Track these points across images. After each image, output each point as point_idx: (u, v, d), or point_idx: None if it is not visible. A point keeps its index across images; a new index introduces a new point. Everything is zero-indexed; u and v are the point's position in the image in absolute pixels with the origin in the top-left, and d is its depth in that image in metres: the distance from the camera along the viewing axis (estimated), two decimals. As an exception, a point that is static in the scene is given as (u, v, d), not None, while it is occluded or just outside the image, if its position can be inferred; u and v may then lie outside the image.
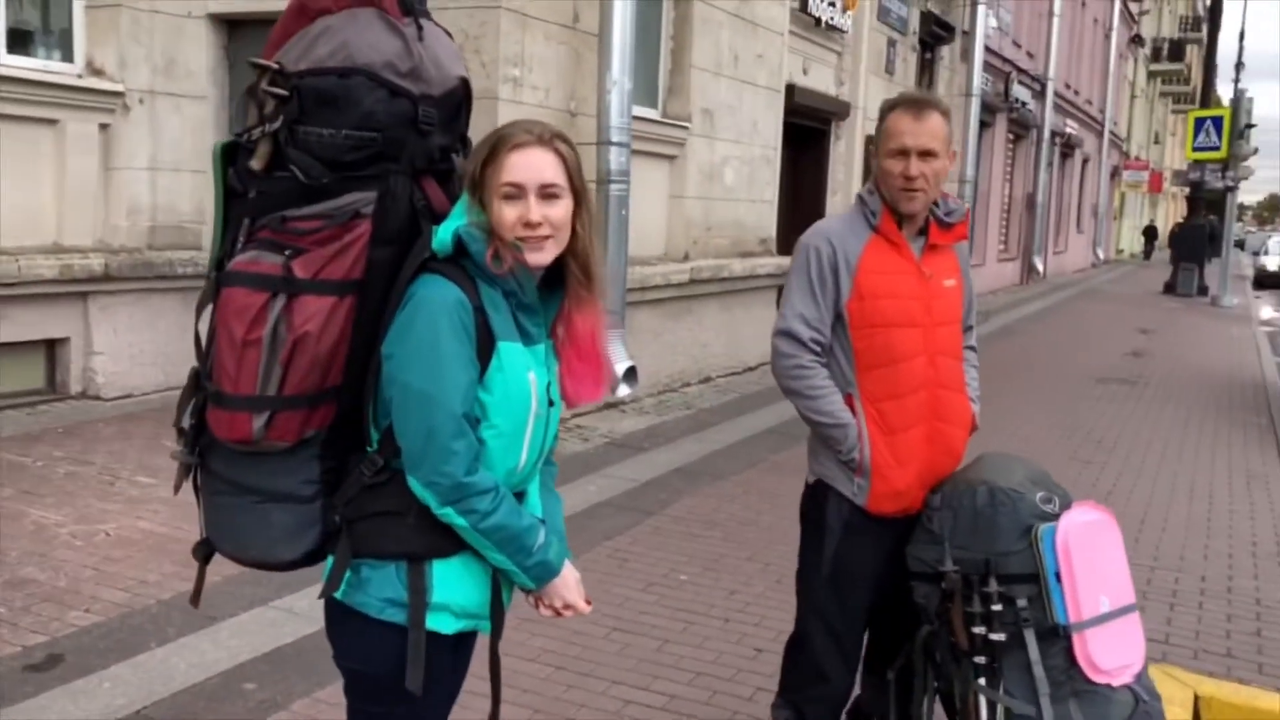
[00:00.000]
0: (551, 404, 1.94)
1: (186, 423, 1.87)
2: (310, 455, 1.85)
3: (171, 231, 7.67)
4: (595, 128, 7.49)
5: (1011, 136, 22.97)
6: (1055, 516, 2.49)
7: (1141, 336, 15.30)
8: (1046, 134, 23.75)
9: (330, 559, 1.89)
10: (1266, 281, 30.46)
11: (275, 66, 1.77)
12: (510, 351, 1.83)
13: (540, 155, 1.82)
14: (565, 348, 1.96)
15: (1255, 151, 23.51)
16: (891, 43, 14.19)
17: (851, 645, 2.78)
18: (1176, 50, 46.78)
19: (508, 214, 1.80)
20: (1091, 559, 2.45)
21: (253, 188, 1.80)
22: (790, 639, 2.90)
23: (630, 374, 7.64)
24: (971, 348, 2.93)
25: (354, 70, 1.78)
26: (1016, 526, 2.47)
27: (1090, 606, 2.42)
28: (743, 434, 7.65)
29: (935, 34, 16.11)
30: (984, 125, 19.00)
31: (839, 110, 12.81)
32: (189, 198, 7.71)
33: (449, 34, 2.01)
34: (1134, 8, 37.70)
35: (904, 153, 2.59)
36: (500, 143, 1.82)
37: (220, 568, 2.06)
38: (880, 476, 2.63)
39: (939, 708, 2.75)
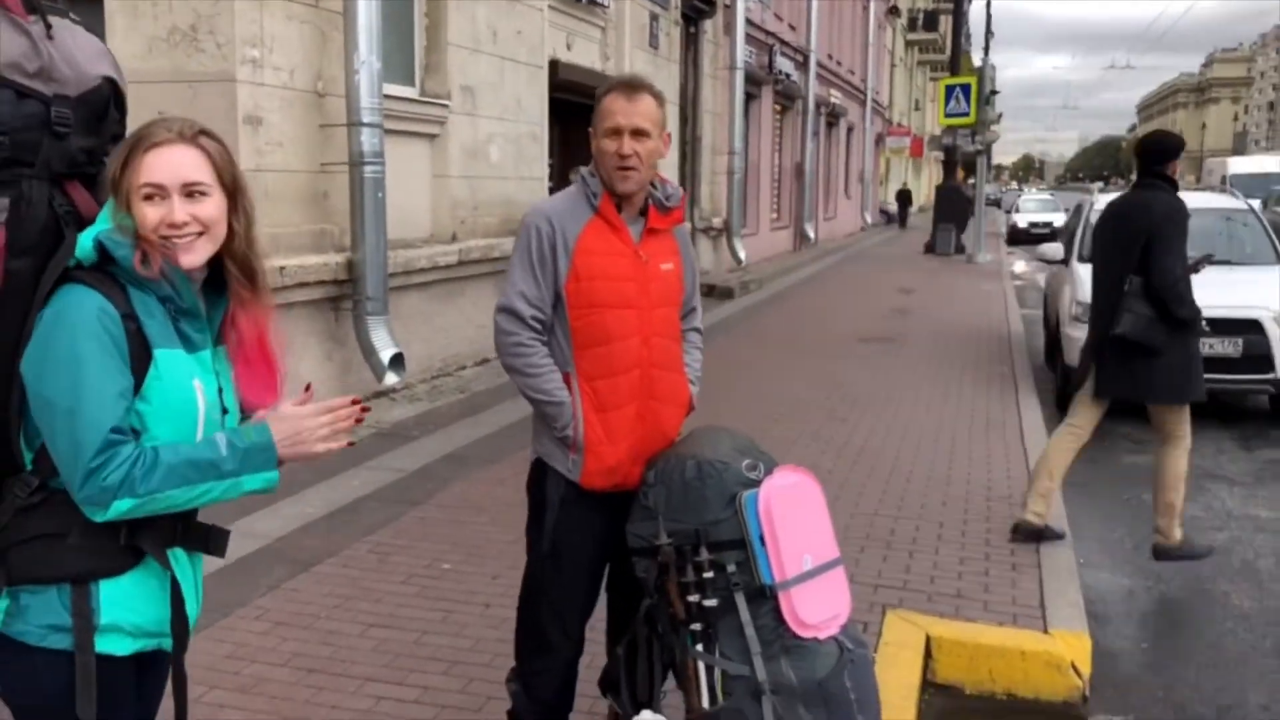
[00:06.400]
0: (225, 411, 1.88)
1: None
2: None
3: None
4: (345, 109, 7.29)
5: (778, 108, 23.75)
6: (759, 483, 2.59)
7: (903, 296, 16.18)
8: (811, 104, 24.70)
9: None
10: (1019, 238, 32.68)
11: None
12: (169, 359, 1.77)
13: (182, 152, 1.77)
14: (235, 352, 1.91)
15: (1000, 117, 25.16)
16: (654, 17, 14.38)
17: (573, 617, 2.84)
18: (930, 20, 49.55)
19: (150, 215, 1.75)
20: (793, 520, 2.57)
21: None
22: (518, 612, 2.94)
23: (397, 361, 7.51)
24: (696, 329, 3.03)
25: None
26: (722, 495, 2.56)
27: (793, 565, 2.54)
28: (519, 415, 7.61)
29: (697, 8, 16.44)
30: (750, 97, 19.59)
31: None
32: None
33: (97, 35, 1.92)
34: (890, -20, 39.60)
35: (618, 132, 2.66)
36: (138, 143, 1.76)
37: None
38: (593, 453, 2.69)
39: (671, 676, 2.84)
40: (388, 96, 7.62)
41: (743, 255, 17.86)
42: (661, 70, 14.77)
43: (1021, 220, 34.03)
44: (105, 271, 1.74)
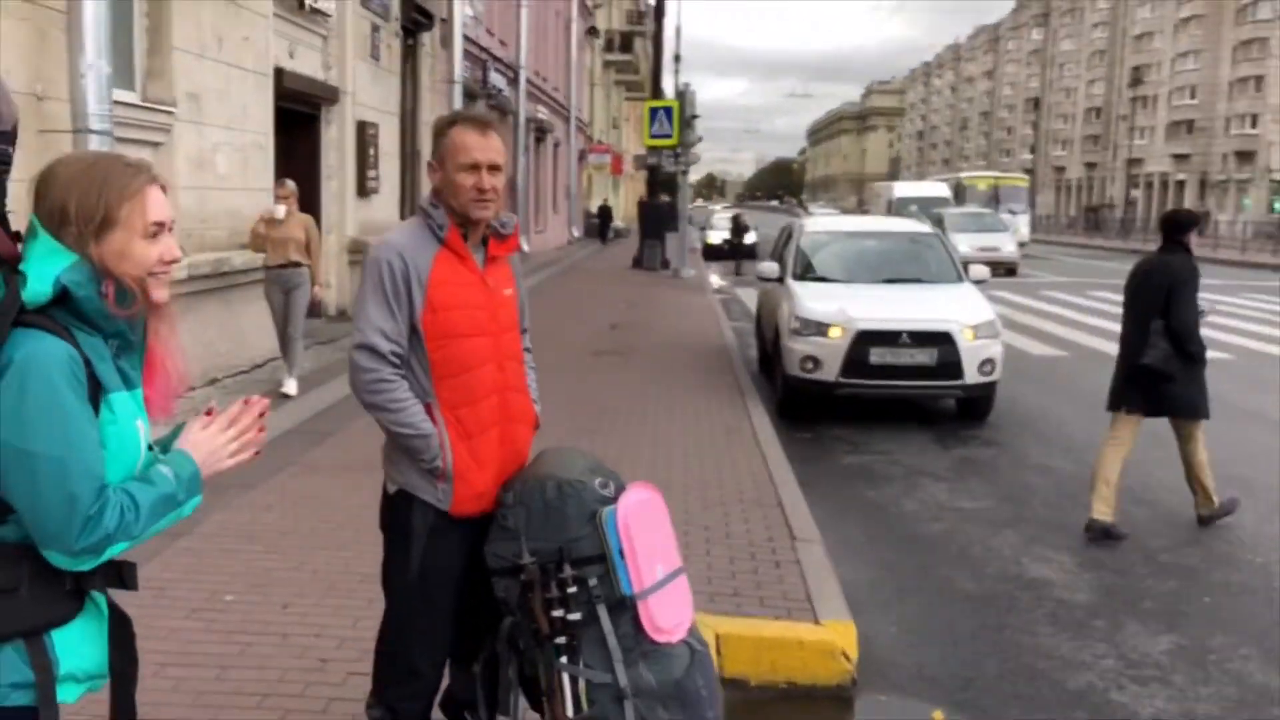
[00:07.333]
0: (150, 448, 1.86)
1: None
2: None
3: None
4: (69, 115, 6.78)
5: (492, 122, 23.92)
6: (613, 499, 2.78)
7: (623, 309, 16.79)
8: (523, 119, 25.10)
9: None
10: (713, 254, 34.46)
11: None
12: (120, 401, 1.76)
13: (158, 189, 1.78)
14: (157, 364, 1.90)
15: (700, 139, 26.44)
16: (375, 28, 14.19)
17: (441, 641, 2.92)
18: (626, 42, 51.33)
19: (152, 253, 1.74)
20: (646, 533, 2.78)
21: None
22: (379, 641, 2.98)
23: (132, 384, 7.06)
24: (528, 349, 3.17)
25: None
26: (583, 513, 2.73)
27: (649, 576, 2.74)
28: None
29: (417, 21, 16.35)
30: (468, 111, 19.65)
31: (328, 95, 12.62)
32: None
33: None
34: (589, 1, 40.77)
35: (475, 167, 2.75)
36: (136, 180, 1.73)
37: None
38: (462, 480, 2.78)
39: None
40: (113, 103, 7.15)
41: (463, 269, 17.88)
42: (382, 82, 14.59)
43: (715, 237, 35.77)
44: (46, 314, 1.68)
